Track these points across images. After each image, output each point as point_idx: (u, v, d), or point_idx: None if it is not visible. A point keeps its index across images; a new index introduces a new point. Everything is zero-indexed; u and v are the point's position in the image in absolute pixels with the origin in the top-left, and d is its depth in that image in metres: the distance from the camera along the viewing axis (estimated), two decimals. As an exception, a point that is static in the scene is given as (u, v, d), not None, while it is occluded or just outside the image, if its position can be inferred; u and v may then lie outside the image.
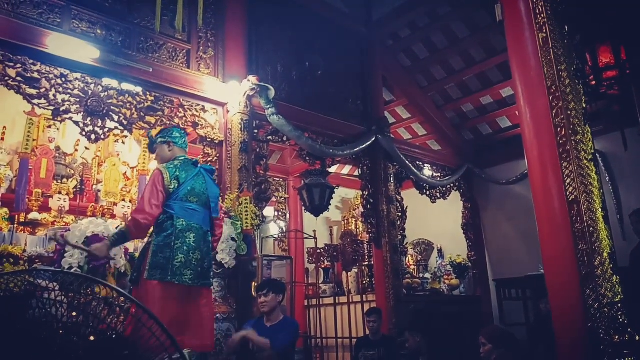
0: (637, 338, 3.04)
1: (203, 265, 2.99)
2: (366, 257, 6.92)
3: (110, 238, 3.01)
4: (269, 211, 7.23)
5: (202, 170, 3.20)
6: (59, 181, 5.74)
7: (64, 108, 4.07)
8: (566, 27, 3.67)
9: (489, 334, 3.33)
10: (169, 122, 4.71)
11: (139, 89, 4.49)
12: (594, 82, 4.37)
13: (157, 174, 3.04)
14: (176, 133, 3.30)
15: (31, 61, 3.96)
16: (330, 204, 5.82)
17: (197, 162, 3.27)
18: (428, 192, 7.06)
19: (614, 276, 3.16)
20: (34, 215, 5.04)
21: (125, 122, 4.38)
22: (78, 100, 4.14)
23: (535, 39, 3.64)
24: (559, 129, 3.43)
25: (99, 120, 4.25)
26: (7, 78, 3.85)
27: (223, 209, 3.84)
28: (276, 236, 7.53)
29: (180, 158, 3.18)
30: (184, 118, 4.75)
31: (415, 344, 4.30)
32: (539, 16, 3.66)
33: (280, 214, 7.73)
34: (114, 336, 2.37)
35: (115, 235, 3.00)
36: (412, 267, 7.28)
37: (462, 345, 4.75)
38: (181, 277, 2.84)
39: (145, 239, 3.20)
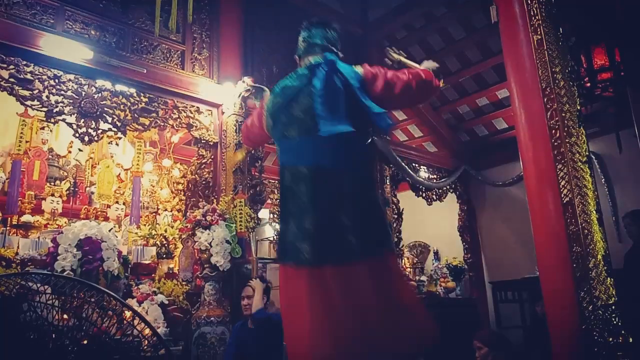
0: (631, 340, 3.03)
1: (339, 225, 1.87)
2: (362, 259, 6.89)
3: None
4: (264, 213, 7.21)
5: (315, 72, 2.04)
6: (52, 183, 5.69)
7: (57, 109, 4.04)
8: (561, 29, 3.66)
9: (484, 338, 3.33)
10: (162, 124, 4.70)
11: (132, 90, 4.47)
12: (588, 84, 4.37)
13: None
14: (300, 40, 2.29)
15: (24, 62, 3.94)
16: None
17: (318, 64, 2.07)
18: (424, 194, 7.05)
19: (608, 278, 3.15)
20: (26, 218, 4.99)
21: (119, 124, 4.35)
22: (71, 101, 4.12)
23: (529, 41, 3.63)
24: (553, 131, 3.42)
25: (93, 121, 4.23)
26: (-1, 79, 3.83)
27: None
28: (271, 238, 7.50)
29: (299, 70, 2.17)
30: (179, 119, 4.73)
31: None
32: (533, 18, 3.65)
33: (275, 216, 7.71)
34: (107, 340, 2.35)
35: None
36: (409, 269, 7.25)
37: (459, 347, 4.74)
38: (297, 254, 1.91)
39: None
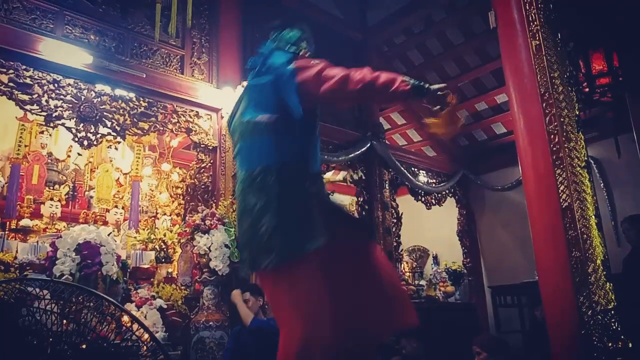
0: (631, 345, 3.03)
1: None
2: (361, 264, 6.87)
3: None
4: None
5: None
6: (51, 187, 5.69)
7: (56, 114, 4.05)
8: (559, 34, 3.68)
9: (482, 343, 3.33)
10: (162, 128, 4.70)
11: (132, 95, 4.48)
12: (587, 89, 4.38)
13: None
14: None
15: (24, 67, 3.94)
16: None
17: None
18: (423, 199, 7.05)
19: (607, 283, 3.15)
20: (25, 222, 4.98)
21: (118, 128, 4.35)
22: (71, 106, 4.12)
23: (528, 46, 3.65)
24: (552, 136, 3.44)
25: (92, 126, 4.23)
26: (-1, 84, 3.83)
27: None
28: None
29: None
30: (178, 124, 4.73)
31: (413, 349, 4.28)
32: (532, 23, 3.67)
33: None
34: (105, 345, 2.35)
35: None
36: (408, 274, 7.24)
37: (458, 352, 4.73)
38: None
39: None
